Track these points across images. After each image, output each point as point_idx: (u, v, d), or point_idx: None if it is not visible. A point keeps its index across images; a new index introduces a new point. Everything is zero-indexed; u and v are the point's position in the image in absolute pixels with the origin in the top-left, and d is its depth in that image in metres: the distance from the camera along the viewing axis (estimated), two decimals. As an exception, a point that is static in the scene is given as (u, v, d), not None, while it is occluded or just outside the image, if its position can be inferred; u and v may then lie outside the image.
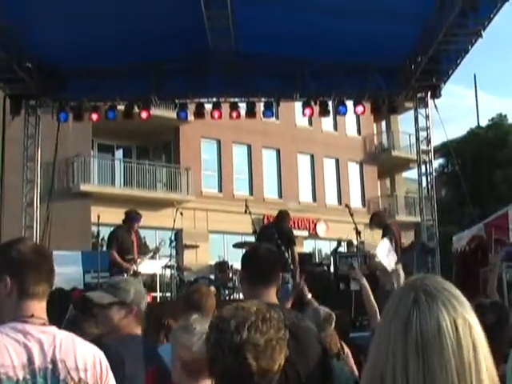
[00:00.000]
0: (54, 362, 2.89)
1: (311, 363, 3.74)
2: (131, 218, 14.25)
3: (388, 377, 1.85)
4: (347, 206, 14.91)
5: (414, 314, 1.87)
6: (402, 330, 1.87)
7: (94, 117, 16.96)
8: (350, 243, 18.56)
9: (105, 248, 29.38)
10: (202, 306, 5.21)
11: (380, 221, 14.82)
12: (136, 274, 13.79)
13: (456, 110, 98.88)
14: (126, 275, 13.47)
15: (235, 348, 2.50)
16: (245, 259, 4.41)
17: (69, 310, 10.83)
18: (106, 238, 30.83)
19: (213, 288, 15.16)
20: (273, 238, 13.44)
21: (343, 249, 19.65)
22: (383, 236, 14.25)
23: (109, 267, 14.25)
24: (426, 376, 1.81)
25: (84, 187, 30.99)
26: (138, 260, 13.97)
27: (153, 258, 15.23)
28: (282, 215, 14.71)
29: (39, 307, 3.03)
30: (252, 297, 4.00)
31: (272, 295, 4.11)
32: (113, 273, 13.76)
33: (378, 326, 2.02)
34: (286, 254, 13.74)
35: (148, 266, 14.82)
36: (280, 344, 2.60)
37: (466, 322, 1.87)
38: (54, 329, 3.04)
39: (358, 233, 14.29)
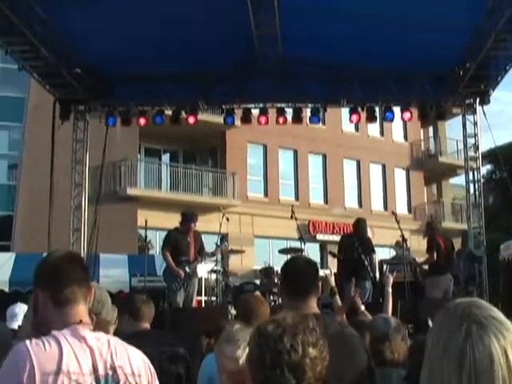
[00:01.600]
0: (113, 368, 2.94)
1: (357, 370, 3.75)
2: (187, 219, 14.33)
3: None
4: (393, 213, 14.90)
5: (467, 349, 1.87)
6: (456, 366, 1.88)
7: (142, 121, 17.09)
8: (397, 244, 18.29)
9: (152, 251, 29.72)
10: (257, 313, 5.23)
11: (427, 230, 14.91)
12: (189, 276, 13.95)
13: (503, 115, 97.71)
14: (177, 279, 13.69)
15: (294, 365, 2.52)
16: (283, 272, 4.45)
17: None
18: (152, 242, 31.19)
19: (258, 293, 15.24)
20: (353, 247, 13.75)
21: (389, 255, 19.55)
22: (428, 248, 14.29)
23: (164, 270, 14.40)
24: None
25: (131, 191, 31.26)
26: (195, 262, 14.09)
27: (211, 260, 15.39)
28: (362, 224, 14.84)
29: (79, 311, 3.05)
30: (291, 308, 3.99)
31: (312, 306, 4.12)
32: (166, 277, 14.00)
33: (427, 361, 2.00)
34: (366, 262, 13.97)
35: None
36: (327, 351, 2.64)
37: None
38: (103, 334, 3.08)
39: (404, 240, 14.26)
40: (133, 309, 5.83)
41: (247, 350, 3.55)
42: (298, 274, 4.20)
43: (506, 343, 1.87)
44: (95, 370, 2.89)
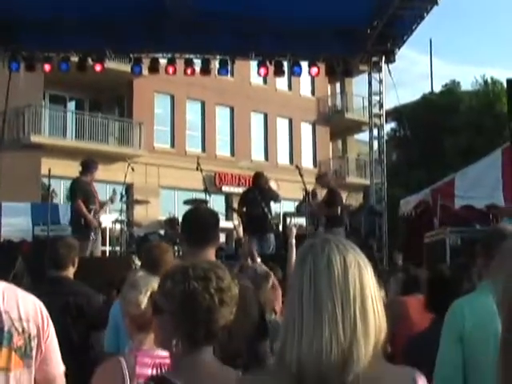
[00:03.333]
0: None
1: (250, 320, 3.87)
2: (92, 167, 13.82)
3: (289, 307, 2.10)
4: (297, 166, 15.08)
5: (308, 254, 2.12)
6: (299, 266, 2.12)
7: (47, 67, 16.78)
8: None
9: (56, 200, 29.28)
10: (162, 261, 5.28)
11: (326, 182, 15.09)
12: (100, 226, 13.67)
13: (409, 74, 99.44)
14: (90, 229, 13.31)
15: (232, 300, 2.69)
16: (183, 220, 4.52)
17: (17, 262, 10.82)
18: (55, 191, 30.74)
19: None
20: (256, 201, 13.82)
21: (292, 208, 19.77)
22: (329, 200, 14.48)
23: (71, 220, 13.93)
24: (315, 301, 2.03)
25: (34, 138, 30.65)
26: (101, 211, 13.75)
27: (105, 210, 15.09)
28: (259, 177, 14.88)
29: None
30: (191, 257, 4.10)
31: (211, 255, 4.18)
32: (76, 227, 13.45)
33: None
34: (269, 215, 14.11)
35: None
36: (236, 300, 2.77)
37: (355, 261, 2.10)
38: None
39: (307, 193, 14.48)
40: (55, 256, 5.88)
41: (148, 295, 3.66)
42: (197, 224, 4.27)
43: (346, 254, 2.10)
44: None
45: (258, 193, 14.38)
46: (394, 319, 3.83)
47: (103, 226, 15.35)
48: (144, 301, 3.73)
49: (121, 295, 4.06)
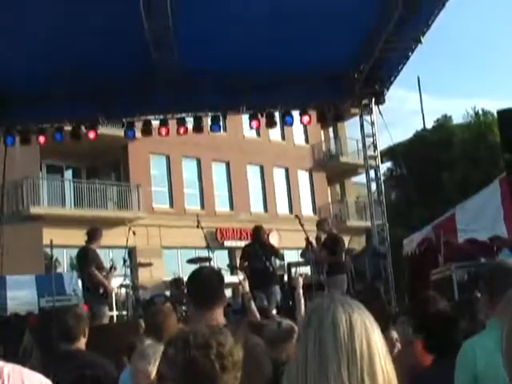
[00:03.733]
0: None
1: (263, 378, 3.84)
2: (97, 235, 14.10)
3: (294, 367, 2.08)
4: (297, 216, 15.16)
5: (314, 312, 2.12)
6: (305, 325, 2.12)
7: (41, 139, 16.87)
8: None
9: (59, 270, 29.24)
10: (165, 326, 5.30)
11: (326, 228, 15.18)
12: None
13: (399, 112, 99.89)
14: (103, 296, 13.45)
15: (234, 366, 2.65)
16: (188, 283, 4.52)
17: (25, 335, 10.79)
18: (58, 260, 30.71)
19: (169, 305, 15.21)
20: (257, 255, 13.92)
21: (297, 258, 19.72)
22: (331, 246, 14.52)
23: (84, 287, 14.00)
24: (321, 364, 2.01)
25: (34, 210, 30.72)
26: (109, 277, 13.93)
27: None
28: (258, 230, 14.98)
29: None
30: (198, 320, 4.10)
31: (218, 316, 4.18)
32: (92, 295, 13.59)
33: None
34: (271, 268, 14.17)
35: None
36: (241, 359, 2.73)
37: (361, 320, 2.09)
38: (0, 363, 3.05)
39: (310, 242, 14.50)
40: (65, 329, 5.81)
41: (157, 364, 3.66)
42: (202, 285, 4.26)
43: (351, 312, 2.09)
44: None
45: (258, 246, 14.48)
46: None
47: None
48: (153, 371, 3.71)
49: (131, 365, 4.05)
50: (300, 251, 18.68)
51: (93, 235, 14.11)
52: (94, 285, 13.63)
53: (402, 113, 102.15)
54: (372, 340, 2.05)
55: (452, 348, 3.85)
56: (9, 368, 3.03)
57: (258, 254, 14.28)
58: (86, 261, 13.88)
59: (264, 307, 8.92)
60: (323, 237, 15.76)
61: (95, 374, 5.69)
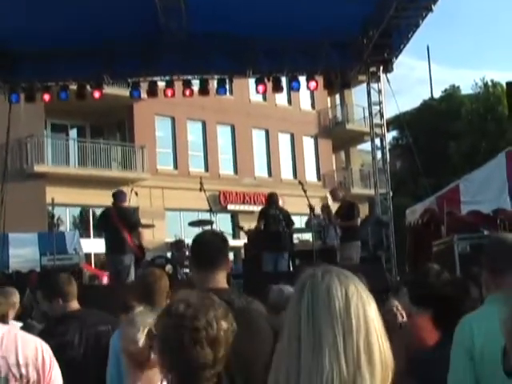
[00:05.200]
0: None
1: (260, 345, 3.81)
2: (122, 197, 14.32)
3: (286, 342, 1.99)
4: (300, 182, 15.16)
5: (307, 282, 2.01)
6: (297, 296, 2.02)
7: (46, 97, 16.83)
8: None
9: (62, 228, 29.35)
10: (156, 288, 5.30)
11: (341, 196, 15.26)
12: None
13: (407, 80, 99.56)
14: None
15: (212, 340, 2.61)
16: (192, 246, 4.50)
17: (26, 293, 10.81)
18: (61, 218, 30.81)
19: (170, 266, 15.26)
20: (277, 220, 14.03)
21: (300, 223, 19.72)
22: (347, 213, 14.59)
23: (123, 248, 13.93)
24: (315, 337, 1.92)
25: (38, 168, 30.68)
26: None
27: None
28: (274, 196, 15.19)
29: None
30: (200, 283, 4.08)
31: (220, 280, 4.15)
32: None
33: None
34: (286, 235, 14.39)
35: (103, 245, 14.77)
36: (234, 322, 2.74)
37: (358, 293, 1.98)
38: None
39: (312, 209, 14.52)
40: (59, 290, 5.79)
41: (146, 332, 3.67)
42: (205, 248, 4.22)
43: (347, 284, 1.98)
44: None
45: (278, 212, 14.57)
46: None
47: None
48: (141, 338, 3.74)
49: (120, 331, 4.06)
50: (302, 217, 18.74)
51: (120, 197, 14.41)
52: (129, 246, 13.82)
53: (409, 81, 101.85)
54: (369, 315, 1.96)
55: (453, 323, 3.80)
56: (3, 331, 3.01)
57: (277, 218, 14.40)
58: (134, 222, 14.18)
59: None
60: (333, 205, 15.82)
61: (97, 332, 5.74)
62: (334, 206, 16.39)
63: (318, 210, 16.51)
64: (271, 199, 15.23)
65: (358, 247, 14.76)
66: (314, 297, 1.97)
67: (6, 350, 2.93)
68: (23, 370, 2.94)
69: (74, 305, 5.86)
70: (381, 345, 1.96)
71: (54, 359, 3.09)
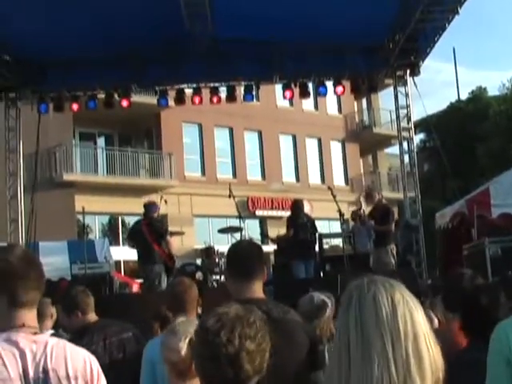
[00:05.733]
0: (45, 371, 2.88)
1: (298, 355, 3.82)
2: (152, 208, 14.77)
3: (336, 352, 2.04)
4: (329, 188, 15.14)
5: (354, 293, 2.06)
6: (344, 309, 2.07)
7: (75, 107, 16.94)
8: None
9: (91, 236, 29.50)
10: (185, 297, 5.34)
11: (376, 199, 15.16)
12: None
13: (432, 83, 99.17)
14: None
15: (231, 358, 2.59)
16: (227, 256, 4.50)
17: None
18: (90, 227, 31.01)
19: (200, 274, 15.29)
20: (306, 228, 14.15)
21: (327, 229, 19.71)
22: (382, 217, 14.51)
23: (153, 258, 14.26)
24: (364, 346, 1.96)
25: (67, 176, 30.90)
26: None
27: None
28: (300, 203, 15.33)
29: (30, 316, 3.01)
30: (237, 293, 4.08)
31: (257, 290, 4.13)
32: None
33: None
34: (313, 243, 14.57)
35: (135, 253, 14.82)
36: (267, 343, 2.72)
37: (404, 299, 2.03)
38: (45, 337, 3.03)
39: (342, 214, 14.48)
40: (77, 303, 5.89)
41: (187, 341, 3.70)
42: (242, 258, 4.21)
43: (393, 292, 2.03)
44: (25, 373, 2.85)
45: (306, 219, 14.62)
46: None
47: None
48: (183, 347, 3.77)
49: (162, 340, 4.08)
50: (331, 222, 18.75)
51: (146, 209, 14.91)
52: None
53: (435, 84, 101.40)
54: (416, 320, 2.00)
55: (490, 328, 3.77)
56: (53, 342, 3.02)
57: (306, 225, 14.49)
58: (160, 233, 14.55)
59: None
60: (364, 210, 15.77)
61: (136, 333, 5.83)
62: (365, 209, 16.29)
63: (347, 215, 16.48)
64: (297, 206, 15.24)
65: (393, 252, 14.64)
66: (362, 307, 2.02)
67: (56, 362, 2.94)
68: (73, 383, 2.95)
69: (92, 317, 5.96)
70: (430, 348, 1.99)
71: (101, 371, 3.10)
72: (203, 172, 36.82)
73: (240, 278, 4.14)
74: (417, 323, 2.00)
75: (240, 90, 17.23)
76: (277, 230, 20.51)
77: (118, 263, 27.93)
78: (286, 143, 40.60)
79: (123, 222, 32.41)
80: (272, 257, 17.34)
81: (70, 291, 6.14)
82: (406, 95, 16.92)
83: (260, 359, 2.66)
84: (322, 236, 17.38)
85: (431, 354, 1.98)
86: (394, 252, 14.60)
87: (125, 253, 24.91)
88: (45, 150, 27.01)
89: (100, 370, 3.09)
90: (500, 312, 4.25)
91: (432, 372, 1.96)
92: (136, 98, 20.61)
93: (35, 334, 2.98)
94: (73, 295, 5.99)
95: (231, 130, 38.30)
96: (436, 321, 6.37)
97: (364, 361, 1.94)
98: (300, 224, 14.63)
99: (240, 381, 2.63)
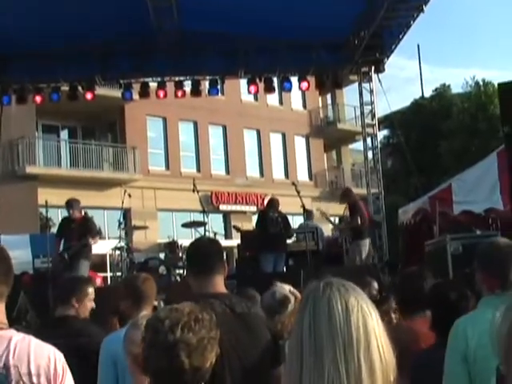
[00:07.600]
0: (6, 367, 2.85)
1: (262, 350, 3.85)
2: (67, 206, 14.46)
3: (290, 356, 2.04)
4: (293, 183, 15.16)
5: (309, 298, 2.05)
6: (300, 311, 2.07)
7: (38, 99, 16.80)
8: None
9: (54, 230, 29.29)
10: (144, 292, 5.32)
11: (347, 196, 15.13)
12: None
13: (396, 79, 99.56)
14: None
15: (169, 346, 2.64)
16: (187, 253, 4.54)
17: (20, 296, 10.79)
18: (53, 220, 30.78)
19: (163, 268, 15.25)
20: (277, 223, 14.07)
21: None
22: (352, 212, 14.53)
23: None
24: (316, 351, 1.96)
25: (30, 169, 30.59)
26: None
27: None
28: (275, 202, 15.19)
29: None
30: (199, 288, 4.13)
31: (218, 284, 4.16)
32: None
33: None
34: (284, 235, 14.49)
35: (97, 247, 14.74)
36: (211, 343, 2.76)
37: (358, 305, 2.02)
38: (10, 332, 2.99)
39: (305, 210, 14.52)
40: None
41: None
42: (202, 254, 4.25)
43: (348, 297, 2.02)
44: None
45: (277, 215, 14.58)
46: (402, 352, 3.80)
47: (104, 252, 15.37)
48: None
49: (124, 335, 4.09)
50: (294, 217, 18.77)
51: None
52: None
53: (399, 80, 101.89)
54: (369, 326, 1.99)
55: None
56: (18, 338, 2.98)
57: (275, 220, 14.46)
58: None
59: None
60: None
61: (77, 344, 5.57)
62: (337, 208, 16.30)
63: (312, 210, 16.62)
64: (271, 203, 15.23)
65: (364, 246, 14.54)
66: (315, 311, 2.01)
67: (18, 358, 2.90)
68: (34, 380, 2.91)
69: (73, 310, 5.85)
70: (382, 355, 1.99)
71: (67, 369, 3.05)
72: (167, 166, 36.68)
73: (201, 274, 4.17)
74: (370, 330, 1.99)
75: (205, 84, 17.21)
76: (240, 225, 20.52)
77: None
78: (250, 138, 40.57)
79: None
80: (235, 250, 17.34)
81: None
82: (371, 92, 17.03)
83: (200, 356, 2.69)
84: (290, 233, 17.45)
85: (383, 361, 1.98)
86: (367, 247, 14.56)
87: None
88: (7, 142, 26.77)
89: (66, 368, 3.04)
90: (470, 308, 4.29)
91: (383, 375, 1.97)
92: (100, 90, 20.49)
93: (1, 329, 2.95)
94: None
95: (196, 124, 38.18)
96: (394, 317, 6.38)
97: (316, 366, 1.94)
98: (269, 218, 14.64)
99: (173, 371, 2.65)
